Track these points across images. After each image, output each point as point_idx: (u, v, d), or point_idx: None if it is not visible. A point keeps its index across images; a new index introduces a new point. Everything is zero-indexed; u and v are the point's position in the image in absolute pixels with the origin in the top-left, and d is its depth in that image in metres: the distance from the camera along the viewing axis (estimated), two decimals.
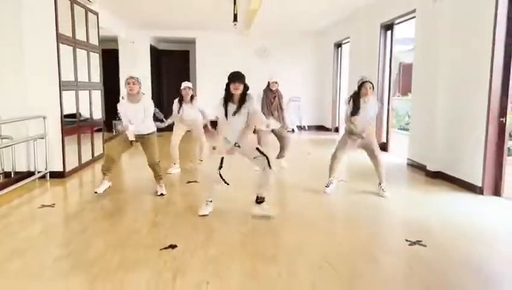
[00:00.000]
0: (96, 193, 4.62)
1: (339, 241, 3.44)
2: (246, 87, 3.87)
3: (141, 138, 4.63)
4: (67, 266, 2.91)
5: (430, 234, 3.61)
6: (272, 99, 6.07)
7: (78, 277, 2.75)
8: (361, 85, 4.74)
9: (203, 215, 3.98)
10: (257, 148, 3.97)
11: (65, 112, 5.54)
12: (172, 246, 3.23)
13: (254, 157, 3.98)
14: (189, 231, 3.60)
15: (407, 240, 3.42)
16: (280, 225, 3.84)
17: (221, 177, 3.94)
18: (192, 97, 5.95)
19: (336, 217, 4.18)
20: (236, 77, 3.81)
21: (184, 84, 5.97)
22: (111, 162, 4.68)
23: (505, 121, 4.73)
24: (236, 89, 3.81)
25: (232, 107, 3.87)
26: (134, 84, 4.49)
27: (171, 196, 4.74)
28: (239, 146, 3.91)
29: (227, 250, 3.21)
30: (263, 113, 5.99)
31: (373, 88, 4.78)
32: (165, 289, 2.56)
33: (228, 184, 4.01)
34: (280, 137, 6.27)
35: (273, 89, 6.11)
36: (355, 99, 4.79)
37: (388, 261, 3.06)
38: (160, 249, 3.17)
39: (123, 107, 4.61)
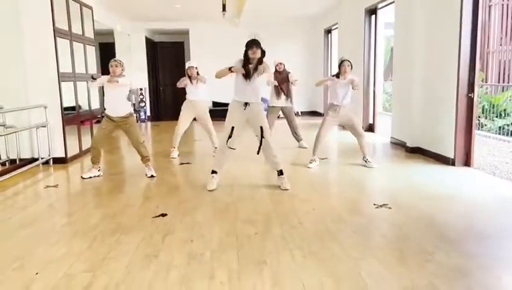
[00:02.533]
0: (82, 177, 5.00)
1: (312, 206, 3.82)
2: (263, 52, 4.20)
3: (122, 121, 4.92)
4: (71, 232, 3.31)
5: (397, 198, 4.00)
6: (279, 79, 6.51)
7: (79, 239, 3.14)
8: (340, 64, 5.19)
9: (211, 190, 4.35)
10: (261, 127, 4.31)
11: (64, 103, 5.91)
12: (163, 215, 3.62)
13: (256, 135, 4.38)
14: (179, 202, 4.00)
15: (374, 204, 3.80)
16: (262, 195, 4.23)
17: (229, 146, 4.33)
18: (198, 75, 6.11)
19: (313, 187, 4.55)
20: (253, 43, 4.15)
21: (188, 64, 6.23)
22: (96, 151, 5.03)
23: (473, 96, 5.08)
24: (255, 53, 4.14)
25: (250, 70, 4.20)
26: (116, 66, 4.80)
27: (163, 176, 5.12)
28: (249, 104, 4.25)
29: (212, 216, 3.61)
30: (277, 93, 6.52)
31: (351, 67, 5.19)
32: (155, 246, 2.95)
33: (234, 149, 4.40)
34: (287, 117, 6.76)
35: (280, 70, 6.54)
36: (337, 76, 5.25)
37: (354, 220, 3.44)
38: (153, 217, 3.56)
39: (105, 79, 4.80)
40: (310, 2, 9.72)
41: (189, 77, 6.16)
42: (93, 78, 4.97)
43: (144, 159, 5.10)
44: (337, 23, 10.20)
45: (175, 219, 3.53)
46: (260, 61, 4.22)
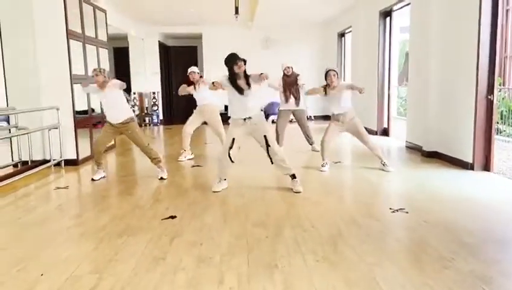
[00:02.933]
0: (93, 179, 4.98)
1: (325, 209, 3.71)
2: (244, 61, 4.12)
3: (123, 127, 4.88)
4: (78, 233, 3.26)
5: (414, 203, 3.86)
6: (288, 82, 6.41)
7: (86, 240, 3.09)
8: (326, 74, 5.16)
9: (216, 192, 4.30)
10: (265, 136, 4.22)
11: (76, 105, 5.91)
12: (173, 217, 3.54)
13: (261, 146, 4.30)
14: (189, 205, 3.92)
15: (390, 208, 3.67)
16: (273, 197, 4.13)
17: (229, 157, 4.27)
18: (201, 78, 6.05)
19: (326, 190, 4.43)
20: (233, 57, 4.09)
21: (189, 70, 6.17)
22: (98, 153, 5.01)
23: (492, 98, 4.92)
24: (240, 67, 4.08)
25: (242, 85, 4.13)
26: (97, 75, 4.71)
27: (174, 178, 5.06)
28: (250, 118, 4.18)
29: (222, 218, 3.52)
30: (286, 96, 6.41)
31: (337, 75, 5.15)
32: (162, 249, 2.87)
33: (233, 162, 4.33)
34: (298, 120, 6.65)
35: (288, 73, 6.44)
36: (325, 89, 5.17)
37: (368, 224, 3.31)
38: (162, 219, 3.49)
39: (94, 88, 4.81)
40: (323, 5, 9.63)
41: (193, 84, 6.09)
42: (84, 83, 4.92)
43: (154, 160, 5.05)
44: (350, 27, 10.09)
45: (184, 221, 3.45)
46: (245, 73, 4.14)
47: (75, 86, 5.82)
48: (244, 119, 4.21)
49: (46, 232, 3.30)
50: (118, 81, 4.79)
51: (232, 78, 4.15)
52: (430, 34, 5.90)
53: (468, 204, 3.83)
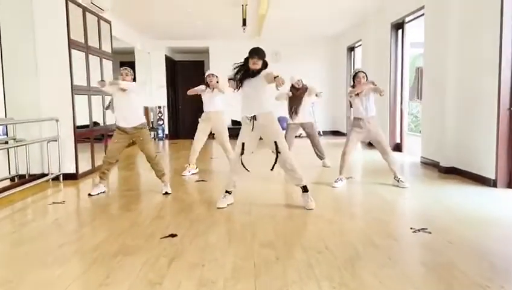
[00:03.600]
0: (90, 195, 4.70)
1: (340, 228, 3.39)
2: (265, 64, 3.84)
3: (135, 132, 4.65)
4: (70, 252, 2.97)
5: (436, 222, 3.53)
6: (298, 95, 6.13)
7: (78, 260, 2.81)
8: (355, 75, 4.89)
9: (221, 208, 4.01)
10: (275, 142, 3.93)
11: (78, 116, 5.69)
12: (173, 235, 3.25)
13: (272, 151, 4.00)
14: (191, 222, 3.62)
15: (411, 228, 3.35)
16: (283, 215, 3.83)
17: (242, 164, 3.98)
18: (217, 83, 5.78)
19: (340, 208, 4.14)
20: (254, 52, 3.79)
21: (207, 72, 5.93)
22: (108, 166, 4.73)
23: None
24: (255, 64, 3.79)
25: (248, 81, 3.87)
26: (127, 75, 4.59)
27: (177, 193, 4.78)
28: (255, 118, 3.89)
29: (227, 238, 3.22)
30: (291, 111, 6.12)
31: (366, 77, 4.87)
32: (159, 271, 2.56)
33: (248, 171, 4.04)
34: (309, 135, 6.36)
35: (299, 86, 6.16)
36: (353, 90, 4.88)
37: (388, 245, 2.99)
38: (161, 238, 3.20)
39: (113, 88, 4.59)
40: (332, 21, 9.46)
41: (207, 86, 5.86)
42: (103, 80, 4.66)
43: (159, 174, 4.80)
44: (360, 40, 9.87)
45: (185, 239, 3.16)
46: (259, 71, 3.85)
47: (76, 97, 5.62)
48: (250, 118, 3.91)
49: (38, 249, 3.02)
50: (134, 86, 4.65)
51: (242, 69, 3.87)
52: (446, 46, 5.63)
53: (495, 224, 3.50)
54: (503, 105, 4.67)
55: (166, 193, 4.69)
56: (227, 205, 4.10)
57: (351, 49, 10.95)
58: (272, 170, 4.00)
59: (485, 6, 4.90)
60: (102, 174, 4.78)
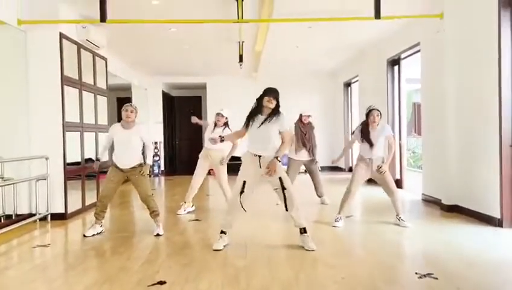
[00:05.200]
0: (85, 236, 4.50)
1: (341, 273, 3.17)
2: (279, 104, 3.86)
3: (130, 171, 4.52)
4: None
5: (442, 266, 3.32)
6: (304, 131, 6.07)
7: None
8: (368, 113, 4.73)
9: (217, 250, 3.81)
10: (280, 178, 3.83)
11: (69, 153, 5.54)
12: (161, 282, 3.03)
13: (275, 189, 3.90)
14: (182, 266, 3.40)
15: (416, 273, 3.14)
16: (280, 258, 3.62)
17: (240, 203, 3.84)
18: (226, 125, 5.74)
19: (341, 250, 3.92)
20: (271, 91, 3.84)
21: (218, 110, 5.85)
22: (103, 206, 4.58)
23: None
24: (270, 102, 3.81)
25: (259, 118, 3.84)
26: (132, 112, 4.50)
27: (170, 234, 4.56)
28: (260, 156, 3.84)
29: (220, 284, 3.00)
30: (295, 146, 6.02)
31: (380, 116, 4.73)
32: None
33: (245, 211, 3.90)
34: (311, 172, 6.24)
35: (305, 122, 6.14)
36: (364, 128, 4.75)
37: None
38: (148, 286, 2.98)
39: (113, 130, 4.59)
40: (328, 58, 9.53)
41: (215, 125, 5.75)
42: (97, 160, 4.75)
43: (153, 213, 4.60)
44: (357, 76, 9.91)
45: (175, 287, 2.94)
46: (274, 112, 3.86)
47: (68, 133, 5.49)
48: (256, 155, 3.85)
49: None
50: (144, 131, 4.67)
51: (255, 109, 3.88)
52: (443, 82, 5.58)
53: (504, 268, 3.30)
54: (505, 142, 4.55)
55: (158, 235, 4.48)
56: (223, 246, 3.89)
57: (348, 84, 10.98)
58: (287, 210, 3.86)
59: (482, 43, 4.87)
60: (97, 215, 4.59)
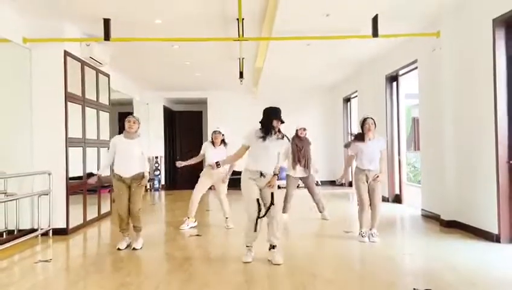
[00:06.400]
0: (119, 249, 4.57)
1: (340, 289, 3.21)
2: (282, 122, 4.06)
3: (131, 180, 4.61)
4: None
5: (440, 282, 3.36)
6: (300, 146, 6.11)
7: None
8: (363, 122, 4.78)
9: (247, 263, 3.95)
10: (272, 193, 4.01)
11: (72, 168, 5.61)
12: None
13: (265, 203, 4.02)
14: (181, 282, 3.44)
15: (414, 289, 3.18)
16: (279, 274, 3.65)
17: (255, 226, 3.97)
18: (223, 142, 5.87)
19: (340, 265, 3.95)
20: (277, 112, 4.01)
21: (214, 128, 5.97)
22: (121, 220, 4.68)
23: None
24: (278, 124, 4.00)
25: (267, 139, 3.96)
26: (134, 123, 4.62)
27: (169, 249, 4.61)
28: (264, 176, 3.99)
29: None
30: (291, 162, 6.06)
31: (375, 125, 4.80)
32: None
33: (256, 231, 4.03)
34: (308, 188, 6.27)
35: (301, 136, 6.19)
36: (359, 138, 4.84)
37: None
38: None
39: (115, 140, 4.70)
40: (328, 72, 9.64)
41: (213, 143, 5.85)
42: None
43: (136, 228, 4.69)
44: (356, 91, 10.01)
45: None
46: (279, 130, 4.06)
47: (71, 149, 5.56)
48: (260, 173, 3.98)
49: None
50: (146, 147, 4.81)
51: (266, 128, 3.97)
52: (441, 98, 5.67)
53: (504, 286, 3.32)
54: (502, 158, 4.61)
55: (134, 249, 4.57)
56: (252, 258, 4.03)
57: (347, 100, 11.09)
58: (261, 216, 3.95)
59: (478, 61, 4.96)
60: (123, 230, 4.71)
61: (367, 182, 4.83)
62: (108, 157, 4.82)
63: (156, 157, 11.50)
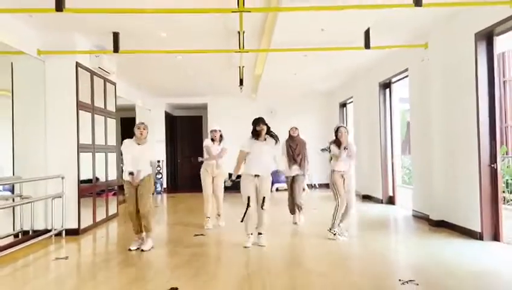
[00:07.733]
0: (142, 250, 4.79)
1: (331, 282, 3.57)
2: (268, 127, 5.00)
3: (141, 183, 4.90)
4: None
5: (424, 275, 3.72)
6: (294, 146, 6.30)
7: None
8: (337, 130, 5.29)
9: (246, 247, 4.73)
10: (263, 197, 4.82)
11: (82, 173, 5.96)
12: (173, 289, 3.41)
13: (257, 200, 4.82)
14: (191, 275, 3.79)
15: (400, 280, 3.53)
16: (277, 268, 4.02)
17: (244, 214, 4.81)
18: (221, 137, 6.30)
19: (332, 261, 4.30)
20: (259, 120, 4.97)
21: (211, 128, 6.38)
22: (133, 221, 4.95)
23: (496, 166, 4.92)
24: (262, 129, 4.91)
25: (258, 143, 4.90)
26: (144, 129, 4.97)
27: (176, 248, 4.95)
28: (258, 176, 4.85)
29: None
30: (290, 162, 6.29)
31: (347, 132, 5.31)
32: None
33: (241, 221, 4.85)
34: (294, 188, 6.32)
35: (294, 135, 6.37)
36: (337, 143, 5.27)
37: None
38: None
39: (130, 146, 4.96)
40: (324, 80, 10.00)
41: (212, 140, 6.28)
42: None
43: (145, 228, 4.94)
44: (352, 97, 10.39)
45: None
46: (267, 132, 4.98)
47: (81, 154, 5.91)
48: (255, 175, 4.85)
49: None
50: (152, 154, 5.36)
51: (254, 134, 4.95)
52: (430, 105, 6.04)
53: (482, 277, 3.68)
54: (484, 161, 4.98)
55: (142, 250, 4.79)
56: (251, 244, 4.81)
57: (343, 105, 11.46)
58: (242, 221, 4.78)
59: (462, 70, 5.33)
60: (136, 231, 4.97)
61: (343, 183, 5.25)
62: (129, 158, 4.95)
63: (158, 161, 11.84)
